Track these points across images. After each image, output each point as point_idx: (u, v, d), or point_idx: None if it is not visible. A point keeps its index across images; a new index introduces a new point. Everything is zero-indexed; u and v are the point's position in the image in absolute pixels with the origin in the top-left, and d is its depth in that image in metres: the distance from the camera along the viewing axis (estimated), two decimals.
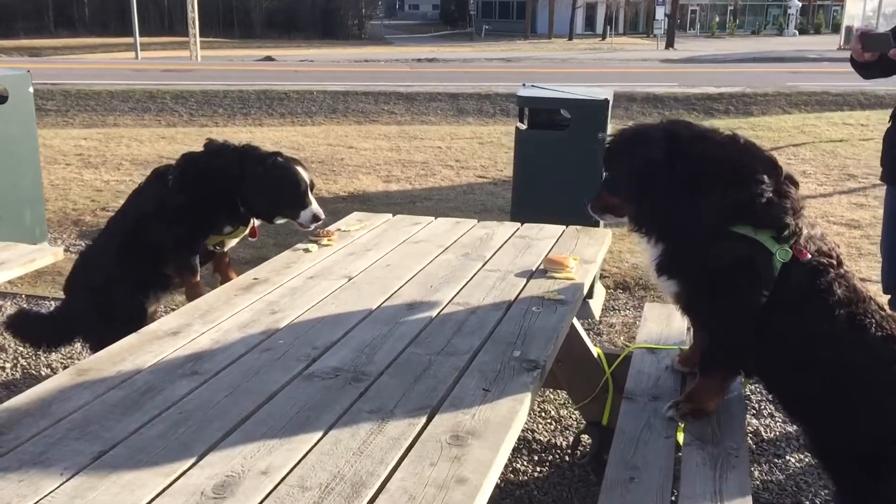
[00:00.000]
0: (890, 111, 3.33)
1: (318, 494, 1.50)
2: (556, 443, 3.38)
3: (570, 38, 51.32)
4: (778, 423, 3.51)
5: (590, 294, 4.68)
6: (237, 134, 11.40)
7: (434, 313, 2.46)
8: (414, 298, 2.60)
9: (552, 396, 3.70)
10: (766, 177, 2.26)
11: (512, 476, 3.12)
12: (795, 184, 2.35)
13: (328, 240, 3.19)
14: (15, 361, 4.03)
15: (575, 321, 3.18)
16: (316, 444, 1.69)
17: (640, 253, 4.60)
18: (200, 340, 2.23)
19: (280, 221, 3.39)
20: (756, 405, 3.65)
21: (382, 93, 15.85)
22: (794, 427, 3.45)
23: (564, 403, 3.64)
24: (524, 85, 4.98)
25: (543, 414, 3.59)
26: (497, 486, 2.38)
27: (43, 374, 3.93)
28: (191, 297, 3.33)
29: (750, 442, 3.36)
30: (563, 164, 4.53)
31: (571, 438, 3.35)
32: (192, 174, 3.33)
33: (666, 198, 2.31)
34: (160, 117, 14.80)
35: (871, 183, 8.04)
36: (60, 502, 1.47)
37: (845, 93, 15.33)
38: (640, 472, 2.24)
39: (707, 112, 14.45)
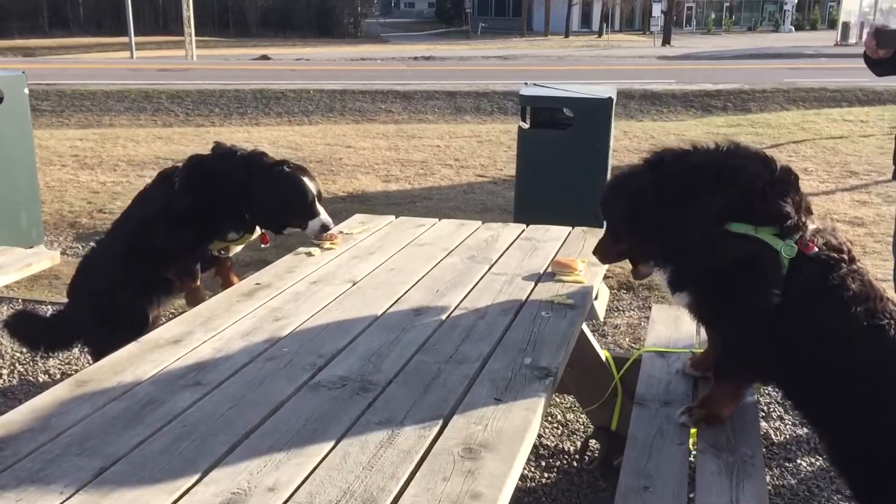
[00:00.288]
0: (888, 107, 3.28)
1: None
2: (563, 448, 3.32)
3: (567, 36, 51.21)
4: (788, 427, 3.46)
5: (595, 295, 4.62)
6: (234, 134, 11.34)
7: (441, 319, 2.41)
8: (420, 303, 2.55)
9: (559, 400, 3.65)
10: (756, 172, 2.21)
11: (519, 482, 3.06)
12: (793, 175, 2.28)
13: (331, 243, 3.13)
14: (12, 367, 3.97)
15: (582, 324, 3.12)
16: (324, 459, 1.64)
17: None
18: (202, 349, 2.17)
19: (288, 232, 3.33)
20: (765, 407, 3.60)
21: (379, 91, 15.77)
22: (805, 430, 3.40)
23: (571, 407, 3.58)
24: (526, 84, 4.93)
25: (550, 418, 3.53)
26: None
27: (40, 380, 3.87)
28: (191, 302, 3.27)
29: None
30: (567, 163, 4.48)
31: (579, 444, 3.30)
32: (199, 177, 3.26)
33: (659, 221, 2.27)
34: (156, 117, 14.71)
35: (873, 180, 8.00)
36: None
37: (843, 89, 15.28)
38: (654, 481, 2.19)
39: (705, 109, 14.40)
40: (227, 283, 3.43)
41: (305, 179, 3.19)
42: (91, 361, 3.45)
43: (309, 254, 3.04)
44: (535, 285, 2.71)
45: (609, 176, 4.41)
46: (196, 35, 28.67)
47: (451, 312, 2.47)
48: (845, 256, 2.21)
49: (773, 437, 3.41)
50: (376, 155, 9.39)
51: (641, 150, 9.39)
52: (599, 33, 52.29)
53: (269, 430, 1.75)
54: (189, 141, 9.88)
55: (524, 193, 4.61)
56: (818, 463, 3.20)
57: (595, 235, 3.25)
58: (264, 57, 29.23)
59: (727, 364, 2.40)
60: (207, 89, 16.04)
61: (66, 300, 3.67)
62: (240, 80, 17.83)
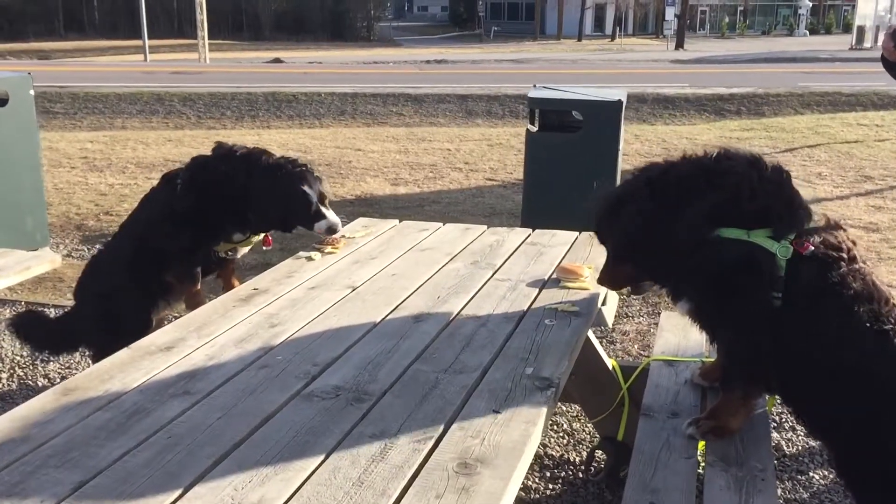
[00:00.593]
0: None
1: None
2: (569, 458, 3.24)
3: (580, 39, 51.14)
4: (800, 437, 3.37)
5: (602, 300, 4.54)
6: (244, 136, 11.30)
7: (442, 326, 2.34)
8: (420, 310, 2.48)
9: (565, 409, 3.57)
10: (744, 174, 2.13)
11: (523, 493, 2.99)
12: (785, 174, 2.20)
13: (332, 248, 3.07)
14: (12, 371, 3.92)
15: (589, 332, 3.05)
16: (313, 473, 1.57)
17: None
18: (194, 357, 2.11)
19: (297, 231, 3.26)
20: (777, 417, 3.51)
21: (391, 94, 15.74)
22: (818, 441, 3.31)
23: (577, 416, 3.51)
24: (535, 86, 4.86)
25: (555, 427, 3.45)
26: None
27: (40, 384, 3.82)
28: (191, 306, 3.22)
29: None
30: (576, 167, 4.40)
31: (585, 454, 3.22)
32: (201, 179, 3.21)
33: (656, 235, 2.19)
34: (168, 119, 14.74)
35: (888, 185, 7.88)
36: None
37: (858, 93, 15.15)
38: (661, 495, 2.11)
39: (718, 113, 14.29)
40: (229, 286, 3.38)
41: (309, 181, 3.12)
42: (91, 365, 3.40)
43: (309, 258, 2.98)
44: (540, 292, 2.64)
45: (617, 178, 4.33)
46: (210, 38, 28.78)
47: (452, 320, 2.39)
48: (844, 255, 2.12)
49: (786, 448, 3.32)
50: (386, 158, 9.33)
51: (653, 153, 9.31)
52: (612, 37, 52.13)
53: (257, 442, 1.68)
54: (199, 143, 9.84)
55: (532, 197, 4.53)
56: (832, 476, 3.11)
57: None
58: (277, 60, 29.30)
59: (731, 373, 2.32)
60: (219, 92, 16.06)
61: (69, 303, 3.63)
62: (252, 83, 17.84)
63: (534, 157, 4.53)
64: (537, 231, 3.34)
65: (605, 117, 4.37)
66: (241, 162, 3.20)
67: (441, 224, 3.47)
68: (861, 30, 37.15)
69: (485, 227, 3.42)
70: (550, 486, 3.06)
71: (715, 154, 2.23)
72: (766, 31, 65.15)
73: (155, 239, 3.25)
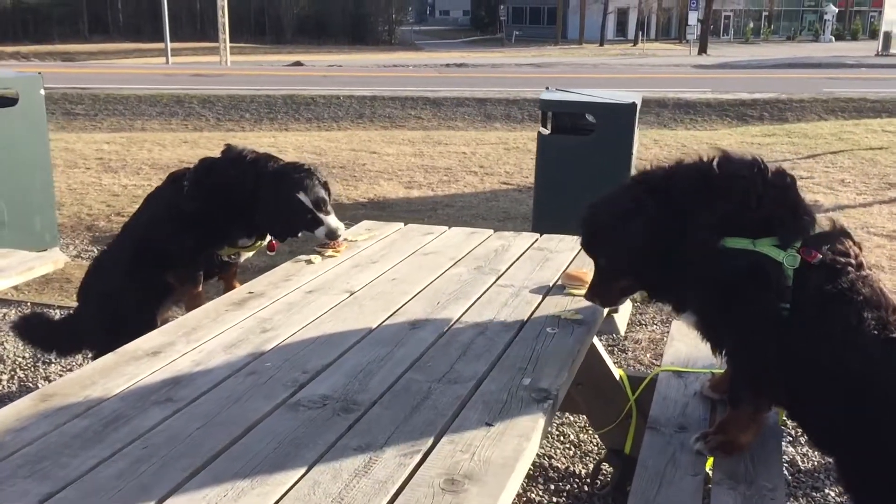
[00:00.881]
0: None
1: None
2: (574, 471, 3.15)
3: (602, 44, 50.92)
4: (816, 452, 3.25)
5: (615, 308, 4.44)
6: (261, 139, 11.29)
7: (439, 334, 2.25)
8: (419, 316, 2.39)
9: (573, 419, 3.48)
10: (748, 179, 2.03)
11: None
12: (789, 178, 2.10)
13: (333, 251, 3.00)
14: (12, 373, 3.89)
15: (596, 340, 2.96)
16: (291, 488, 1.49)
17: None
18: (181, 362, 2.04)
19: (302, 236, 3.21)
20: (792, 431, 3.39)
21: (409, 98, 15.69)
22: (824, 454, 3.18)
23: (585, 427, 3.41)
24: (548, 88, 4.77)
25: (562, 438, 3.36)
26: None
27: (40, 386, 3.77)
28: (190, 308, 3.15)
29: (785, 473, 3.11)
30: (588, 170, 4.30)
31: (591, 467, 3.12)
32: (208, 182, 3.16)
33: (657, 248, 2.09)
34: (187, 122, 14.77)
35: None
36: None
37: (884, 99, 14.92)
38: None
39: (740, 118, 14.12)
40: (229, 288, 3.32)
41: (309, 187, 3.05)
42: None
43: (309, 261, 2.91)
44: (543, 299, 2.55)
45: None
46: (232, 41, 28.91)
47: (450, 327, 2.31)
48: (853, 262, 2.03)
49: (801, 463, 3.21)
50: (400, 161, 9.27)
51: (672, 159, 9.17)
52: (635, 42, 51.88)
53: (236, 454, 1.61)
54: (215, 145, 9.79)
55: (543, 201, 4.44)
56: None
57: None
58: (297, 63, 29.38)
59: (740, 386, 2.22)
60: (239, 94, 16.09)
61: (74, 304, 3.59)
62: (271, 85, 17.87)
63: (545, 160, 4.44)
64: (545, 236, 3.25)
65: (618, 120, 4.27)
66: (251, 167, 3.14)
67: (446, 228, 3.39)
68: (888, 36, 36.68)
69: (491, 231, 3.34)
70: (555, 500, 2.97)
71: (716, 160, 2.12)
72: (790, 36, 64.56)
73: (158, 239, 3.20)
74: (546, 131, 4.50)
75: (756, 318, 2.03)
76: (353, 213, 6.72)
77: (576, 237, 3.20)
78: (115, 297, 3.26)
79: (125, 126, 14.19)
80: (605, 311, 2.50)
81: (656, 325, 4.57)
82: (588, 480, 3.07)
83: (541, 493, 3.00)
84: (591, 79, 21.61)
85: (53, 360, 3.96)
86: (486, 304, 2.50)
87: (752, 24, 64.53)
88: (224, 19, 27.80)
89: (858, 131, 11.43)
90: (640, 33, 52.61)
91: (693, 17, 43.19)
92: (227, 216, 3.17)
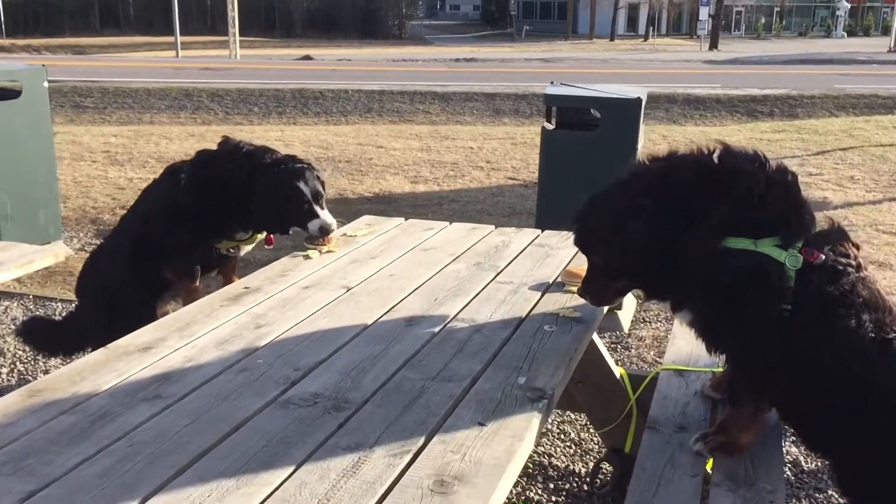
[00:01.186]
0: None
1: None
2: (574, 469, 3.12)
3: (612, 39, 50.71)
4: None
5: (619, 305, 4.40)
6: (268, 132, 11.27)
7: (435, 330, 2.23)
8: (415, 313, 2.37)
9: (573, 418, 3.44)
10: (750, 175, 1.99)
11: None
12: (790, 175, 2.05)
13: (328, 248, 2.96)
14: (12, 367, 3.88)
15: (597, 338, 2.93)
16: (277, 489, 1.47)
17: None
18: (172, 358, 2.02)
19: (293, 231, 3.17)
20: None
21: (418, 92, 15.64)
22: (820, 456, 3.14)
23: (586, 425, 3.37)
24: (552, 83, 4.72)
25: (563, 436, 3.33)
26: None
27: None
28: (188, 303, 3.13)
29: (788, 473, 3.08)
30: (593, 166, 4.24)
31: (591, 465, 3.09)
32: (205, 175, 3.13)
33: (655, 247, 2.04)
34: (196, 115, 14.76)
35: None
36: None
37: (895, 96, 14.78)
38: None
39: (750, 114, 14.01)
40: (229, 283, 3.29)
41: (307, 178, 3.02)
42: None
43: (307, 256, 2.88)
44: (542, 296, 2.52)
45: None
46: (242, 35, 28.89)
47: (447, 324, 2.28)
48: (853, 263, 2.00)
49: (804, 463, 3.17)
50: (407, 156, 9.24)
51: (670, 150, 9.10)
52: (645, 37, 51.65)
53: (223, 453, 1.58)
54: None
55: (546, 197, 4.41)
56: None
57: None
58: (307, 57, 29.35)
59: (740, 387, 2.19)
60: (247, 88, 16.07)
61: (76, 298, 3.58)
62: (280, 79, 17.84)
63: (549, 156, 4.40)
64: (546, 232, 3.22)
65: (623, 115, 4.23)
66: (247, 159, 3.12)
67: (447, 223, 3.36)
68: None
69: (492, 226, 3.30)
70: (554, 499, 2.94)
71: (717, 153, 2.08)
72: (802, 32, 64.17)
73: (155, 233, 3.18)
74: (550, 126, 4.46)
75: (758, 320, 1.99)
76: (358, 207, 6.70)
77: None
78: (113, 292, 3.24)
79: (134, 119, 14.19)
80: (606, 308, 2.47)
81: (660, 322, 4.53)
82: (588, 479, 3.04)
83: (540, 491, 2.97)
84: (601, 74, 21.52)
85: (70, 359, 3.94)
86: (484, 301, 2.47)
87: (763, 20, 64.15)
88: (234, 13, 27.77)
89: (869, 128, 11.33)
90: (651, 28, 52.37)
91: (704, 13, 42.93)
92: (224, 209, 3.14)
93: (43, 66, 5.33)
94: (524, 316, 2.35)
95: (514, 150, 9.64)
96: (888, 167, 8.70)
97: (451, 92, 15.73)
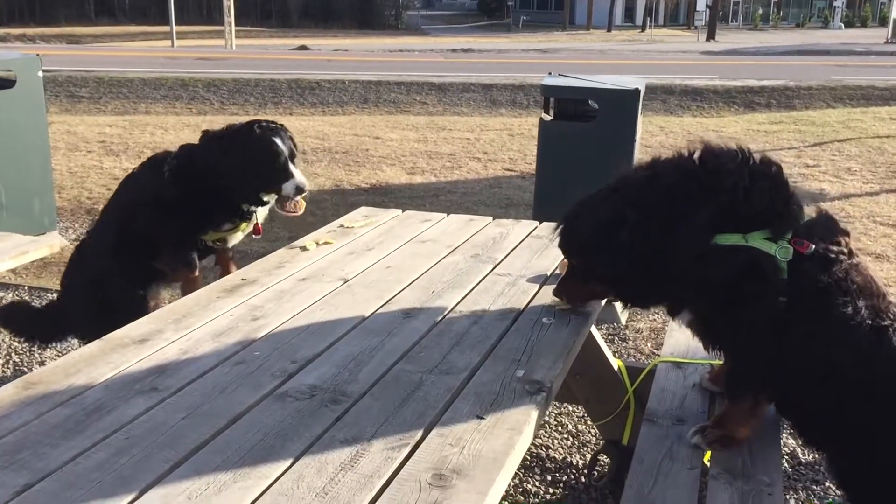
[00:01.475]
0: None
1: None
2: (572, 461, 3.11)
3: (609, 30, 50.61)
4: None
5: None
6: None
7: (432, 323, 2.22)
8: (413, 305, 2.35)
9: (570, 409, 3.44)
10: (734, 171, 1.98)
11: (522, 498, 2.87)
12: (774, 167, 2.05)
13: (325, 239, 2.95)
14: (7, 357, 3.86)
15: (595, 330, 2.92)
16: (274, 482, 1.46)
17: None
18: (168, 350, 2.01)
19: (268, 200, 3.15)
20: None
21: (415, 83, 15.59)
22: (815, 449, 3.14)
23: (583, 417, 3.37)
24: (550, 74, 4.70)
25: (560, 428, 3.32)
26: None
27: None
28: (188, 293, 3.12)
29: (786, 465, 3.08)
30: (591, 157, 4.24)
31: (589, 457, 3.09)
32: (188, 170, 3.12)
33: (641, 253, 2.03)
34: (192, 105, 14.70)
35: None
36: None
37: (892, 87, 14.78)
38: None
39: (747, 106, 14.00)
40: (226, 274, 3.28)
41: (281, 135, 3.03)
42: None
43: (304, 248, 2.87)
44: (540, 288, 2.50)
45: None
46: (238, 25, 28.74)
47: (445, 316, 2.27)
48: (844, 250, 2.00)
49: (801, 456, 3.17)
50: (404, 146, 9.21)
51: (678, 146, 9.10)
52: (643, 28, 51.52)
53: (219, 446, 1.57)
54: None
55: (544, 188, 4.39)
56: None
57: None
58: (303, 47, 29.22)
59: (740, 380, 2.18)
60: (243, 78, 16.01)
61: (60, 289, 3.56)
62: (276, 69, 17.77)
63: (547, 147, 4.38)
64: (544, 224, 3.20)
65: (621, 106, 4.21)
66: (218, 141, 3.12)
67: (445, 215, 3.34)
68: None
69: (490, 218, 3.29)
70: (551, 491, 2.94)
71: (698, 154, 2.07)
72: (800, 23, 64.09)
73: (141, 224, 3.15)
74: (548, 117, 4.44)
75: (755, 315, 1.98)
76: (355, 198, 6.69)
77: None
78: (101, 284, 3.22)
79: (129, 109, 14.13)
80: (604, 300, 2.46)
81: (657, 314, 4.53)
82: (585, 471, 3.04)
83: (537, 483, 2.96)
84: (598, 65, 21.46)
85: (49, 346, 3.93)
86: (482, 293, 2.46)
87: (760, 11, 64.06)
88: (230, 2, 27.61)
89: (866, 119, 11.33)
90: (649, 19, 52.24)
91: (701, 3, 42.88)
92: (208, 200, 3.13)
93: (37, 55, 5.29)
94: (522, 308, 2.34)
95: (511, 142, 9.62)
96: (885, 158, 8.69)
97: (447, 83, 15.68)
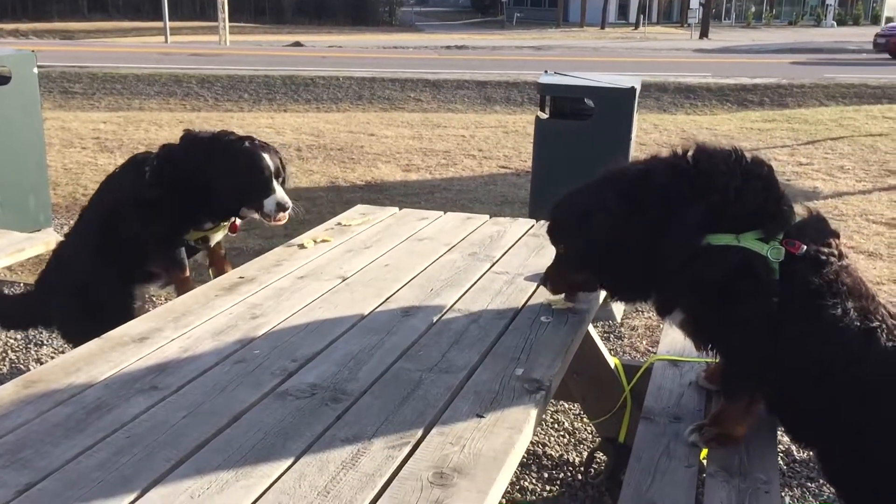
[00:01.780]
0: None
1: None
2: (568, 459, 3.12)
3: (603, 27, 50.62)
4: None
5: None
6: (259, 119, 11.21)
7: (431, 321, 2.22)
8: (411, 303, 2.36)
9: (567, 407, 3.45)
10: (727, 172, 1.99)
11: (518, 496, 2.88)
12: (766, 167, 2.06)
13: (323, 237, 2.95)
14: (3, 354, 3.85)
15: (591, 328, 2.93)
16: (276, 481, 1.46)
17: None
18: (168, 349, 2.01)
19: (247, 214, 3.14)
20: None
21: (409, 80, 15.58)
22: (806, 447, 3.16)
23: (580, 415, 3.38)
24: (546, 72, 4.71)
25: (556, 426, 3.33)
26: None
27: (31, 369, 3.74)
28: (181, 293, 3.11)
29: (781, 463, 3.09)
30: (587, 156, 4.24)
31: (585, 455, 3.10)
32: (169, 170, 3.11)
33: (632, 248, 2.04)
34: (185, 101, 14.66)
35: None
36: None
37: (885, 85, 14.83)
38: None
39: (740, 103, 14.03)
40: (221, 272, 3.27)
41: (272, 153, 3.03)
42: None
43: (301, 246, 2.87)
44: (538, 286, 2.51)
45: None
46: (232, 21, 28.68)
47: (443, 314, 2.28)
48: (834, 251, 2.01)
49: (796, 453, 3.19)
50: (399, 144, 9.21)
51: (672, 144, 9.13)
52: (636, 25, 51.54)
53: (221, 445, 1.58)
54: (211, 126, 9.76)
55: (540, 186, 4.40)
56: None
57: None
58: (297, 43, 29.19)
59: (735, 380, 2.20)
60: (237, 75, 15.97)
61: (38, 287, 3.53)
62: (270, 65, 17.73)
63: (543, 145, 4.39)
64: (541, 222, 3.21)
65: (617, 105, 4.22)
66: (204, 145, 3.10)
67: (442, 213, 3.35)
68: (890, 21, 36.48)
69: (487, 216, 3.30)
70: (548, 488, 2.95)
71: (691, 154, 2.08)
72: (792, 21, 64.16)
73: (124, 224, 3.14)
74: (544, 115, 4.45)
75: (748, 315, 2.00)
76: (350, 195, 6.69)
77: None
78: (83, 289, 3.19)
79: (123, 105, 14.08)
80: (601, 299, 2.47)
81: (653, 311, 4.53)
82: (582, 469, 3.05)
83: (534, 480, 2.97)
84: (592, 62, 21.49)
85: (45, 342, 3.93)
86: (480, 292, 2.46)
87: (753, 9, 64.16)
88: None
89: (859, 117, 11.37)
90: (642, 17, 52.26)
91: (695, 1, 42.90)
92: (188, 200, 3.11)
93: (32, 51, 5.27)
94: (520, 307, 2.35)
95: (506, 139, 9.63)
96: (878, 157, 8.73)
97: (442, 79, 15.68)
